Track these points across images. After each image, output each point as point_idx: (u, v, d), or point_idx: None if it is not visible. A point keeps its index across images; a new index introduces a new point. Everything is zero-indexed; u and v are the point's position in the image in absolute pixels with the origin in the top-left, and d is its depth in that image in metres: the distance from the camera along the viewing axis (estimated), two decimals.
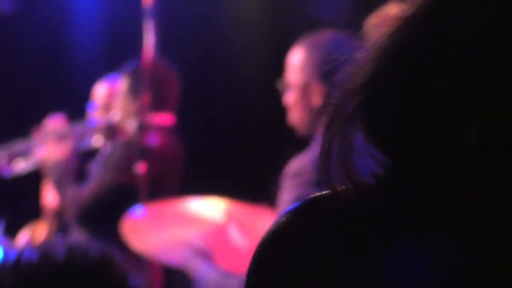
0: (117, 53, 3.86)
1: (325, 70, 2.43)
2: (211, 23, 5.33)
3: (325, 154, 0.76)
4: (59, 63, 5.50)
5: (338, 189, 0.77)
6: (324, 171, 0.77)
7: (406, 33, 0.74)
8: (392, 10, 3.28)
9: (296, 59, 2.53)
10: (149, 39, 3.01)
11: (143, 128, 3.10)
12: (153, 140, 3.26)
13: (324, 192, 0.78)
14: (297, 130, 2.57)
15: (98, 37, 5.54)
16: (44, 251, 1.19)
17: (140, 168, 3.06)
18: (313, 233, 0.76)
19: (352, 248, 0.74)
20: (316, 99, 2.46)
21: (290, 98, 2.53)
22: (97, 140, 3.87)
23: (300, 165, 2.35)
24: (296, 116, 2.53)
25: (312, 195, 0.79)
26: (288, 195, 2.33)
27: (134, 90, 3.64)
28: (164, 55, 3.07)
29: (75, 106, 4.12)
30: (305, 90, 2.48)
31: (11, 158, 3.86)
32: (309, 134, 2.52)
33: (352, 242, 0.74)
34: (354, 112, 0.75)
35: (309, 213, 0.78)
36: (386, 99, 0.74)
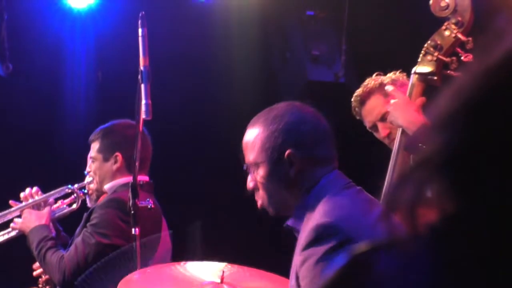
0: (111, 117, 3.88)
1: (293, 137, 2.36)
2: (202, 96, 5.39)
3: (393, 205, 0.80)
4: (52, 129, 5.51)
5: (399, 237, 0.80)
6: (386, 220, 0.80)
7: (484, 104, 0.77)
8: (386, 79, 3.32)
9: (258, 136, 2.41)
10: (143, 101, 3.03)
11: (135, 189, 3.10)
12: (148, 202, 3.27)
13: (380, 240, 0.82)
14: (270, 211, 2.44)
15: (91, 102, 5.57)
16: None
17: (135, 229, 3.05)
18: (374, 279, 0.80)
19: None
20: (295, 167, 2.36)
21: (259, 177, 2.40)
22: (78, 205, 3.88)
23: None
24: (270, 193, 2.40)
25: (371, 242, 0.83)
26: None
27: (104, 152, 3.67)
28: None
29: (71, 173, 4.13)
30: (278, 162, 2.37)
31: None
32: (284, 209, 2.42)
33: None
34: (434, 173, 0.79)
35: (367, 261, 0.82)
36: (468, 166, 0.77)
